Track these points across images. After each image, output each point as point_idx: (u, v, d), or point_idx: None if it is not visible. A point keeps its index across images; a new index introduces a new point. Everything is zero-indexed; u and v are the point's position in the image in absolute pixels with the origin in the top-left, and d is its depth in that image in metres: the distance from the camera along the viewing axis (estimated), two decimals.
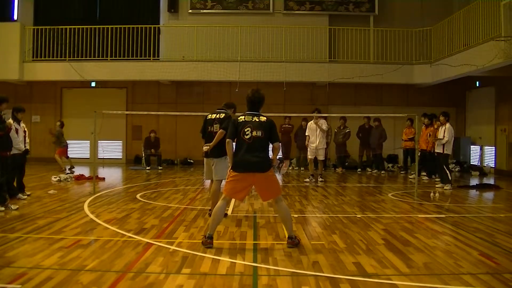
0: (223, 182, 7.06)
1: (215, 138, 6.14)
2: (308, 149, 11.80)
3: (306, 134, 11.91)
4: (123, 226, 6.26)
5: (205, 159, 7.07)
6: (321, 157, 11.67)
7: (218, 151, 6.61)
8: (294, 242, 5.22)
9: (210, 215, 6.82)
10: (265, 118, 5.31)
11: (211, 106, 15.91)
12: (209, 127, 6.91)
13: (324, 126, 11.76)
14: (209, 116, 7.02)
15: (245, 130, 5.19)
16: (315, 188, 10.76)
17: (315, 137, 11.57)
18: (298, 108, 15.51)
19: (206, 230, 5.47)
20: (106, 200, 8.56)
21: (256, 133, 5.17)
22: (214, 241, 5.29)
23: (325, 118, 14.55)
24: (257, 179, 5.21)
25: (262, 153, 5.18)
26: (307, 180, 11.67)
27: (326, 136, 14.72)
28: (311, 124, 11.84)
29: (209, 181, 7.26)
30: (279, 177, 13.11)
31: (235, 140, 5.31)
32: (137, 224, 6.43)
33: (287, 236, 5.33)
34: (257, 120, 5.25)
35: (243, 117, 5.31)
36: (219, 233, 5.90)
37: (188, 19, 16.37)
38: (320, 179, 11.72)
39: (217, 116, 6.92)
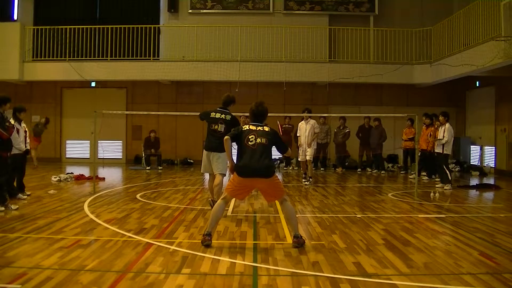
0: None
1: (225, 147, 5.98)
2: (299, 150, 11.49)
3: (298, 135, 11.57)
4: (123, 226, 6.26)
5: (205, 151, 7.21)
6: (308, 157, 11.23)
7: (221, 147, 6.55)
8: (300, 241, 5.22)
9: (211, 205, 6.91)
10: (268, 128, 5.45)
11: (211, 106, 15.85)
12: (213, 125, 7.12)
13: (317, 129, 11.57)
14: (213, 114, 7.20)
15: (249, 137, 5.30)
16: (315, 188, 10.76)
17: (304, 138, 11.24)
18: (298, 108, 15.43)
19: (205, 229, 5.47)
20: (106, 200, 8.56)
21: (261, 140, 5.28)
22: (214, 241, 5.29)
23: (324, 118, 14.63)
24: (261, 184, 5.32)
25: (266, 159, 5.26)
26: (305, 182, 11.43)
27: (326, 136, 14.83)
28: (301, 124, 11.48)
29: (207, 175, 7.35)
30: (279, 177, 13.09)
31: (238, 147, 5.38)
32: (137, 224, 6.43)
33: (292, 235, 5.34)
34: (261, 129, 5.39)
35: (247, 126, 5.44)
36: (219, 233, 5.91)
37: (188, 19, 16.39)
38: (305, 181, 11.23)
39: (223, 116, 7.11)
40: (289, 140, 14.59)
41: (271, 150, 5.42)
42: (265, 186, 5.34)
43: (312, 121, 11.45)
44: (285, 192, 5.57)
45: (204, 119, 7.42)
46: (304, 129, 11.32)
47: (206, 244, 5.19)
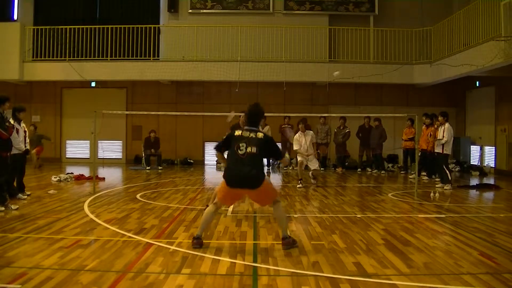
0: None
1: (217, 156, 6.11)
2: (299, 154, 11.13)
3: (294, 148, 11.06)
4: (123, 226, 6.26)
5: None
6: (315, 167, 11.14)
7: None
8: (288, 242, 5.21)
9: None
10: (262, 135, 5.22)
11: (211, 106, 16.13)
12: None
13: (315, 139, 11.41)
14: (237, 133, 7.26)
15: (240, 145, 5.13)
16: (315, 188, 10.76)
17: (306, 147, 10.92)
18: (298, 108, 15.52)
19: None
20: (106, 200, 8.56)
21: (251, 149, 5.09)
22: (214, 241, 5.30)
23: (324, 118, 14.64)
24: (249, 193, 5.29)
25: (254, 169, 5.07)
26: (300, 186, 10.97)
27: (326, 136, 14.85)
28: (299, 137, 10.98)
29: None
30: (279, 177, 13.11)
31: (228, 153, 5.30)
32: (137, 224, 6.43)
33: (281, 237, 5.34)
34: (254, 136, 5.16)
35: (240, 132, 5.26)
36: (219, 233, 5.91)
37: (188, 19, 16.39)
38: (313, 181, 11.32)
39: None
40: (289, 140, 14.57)
41: (262, 159, 5.26)
42: (254, 196, 5.31)
43: (310, 133, 11.25)
44: (277, 194, 5.47)
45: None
46: (304, 141, 10.98)
47: (194, 247, 5.15)
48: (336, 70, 14.98)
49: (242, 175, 5.06)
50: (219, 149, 5.42)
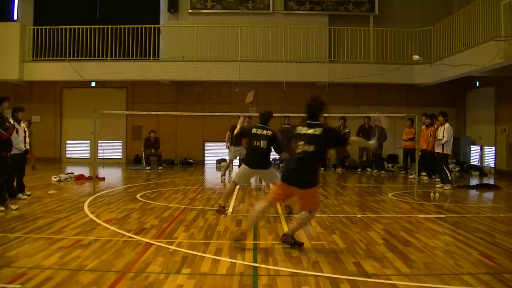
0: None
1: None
2: None
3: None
4: (123, 226, 6.26)
5: (248, 169, 7.24)
6: None
7: (267, 163, 7.19)
8: (285, 240, 5.24)
9: (218, 211, 7.14)
10: (321, 130, 5.06)
11: (211, 106, 16.12)
12: (255, 141, 7.14)
13: None
14: (254, 130, 7.24)
15: (298, 144, 5.09)
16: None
17: None
18: (298, 108, 15.43)
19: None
20: (106, 200, 8.56)
21: (308, 147, 5.03)
22: (213, 241, 5.30)
23: (324, 118, 14.61)
24: (297, 192, 5.21)
25: (307, 168, 5.06)
26: None
27: None
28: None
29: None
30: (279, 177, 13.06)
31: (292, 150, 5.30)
32: (137, 224, 6.43)
33: (285, 231, 5.37)
34: (313, 133, 5.05)
35: (302, 128, 5.18)
36: (219, 233, 5.91)
37: (188, 19, 16.38)
38: None
39: (264, 132, 7.13)
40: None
41: (319, 156, 5.20)
42: (301, 195, 5.24)
43: None
44: (318, 205, 5.43)
45: (244, 135, 7.53)
46: None
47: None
48: (337, 69, 15.09)
49: (294, 173, 5.10)
50: (286, 149, 5.46)
